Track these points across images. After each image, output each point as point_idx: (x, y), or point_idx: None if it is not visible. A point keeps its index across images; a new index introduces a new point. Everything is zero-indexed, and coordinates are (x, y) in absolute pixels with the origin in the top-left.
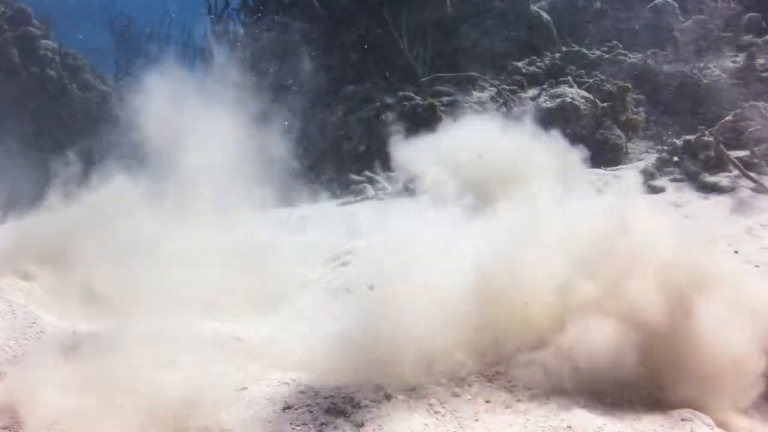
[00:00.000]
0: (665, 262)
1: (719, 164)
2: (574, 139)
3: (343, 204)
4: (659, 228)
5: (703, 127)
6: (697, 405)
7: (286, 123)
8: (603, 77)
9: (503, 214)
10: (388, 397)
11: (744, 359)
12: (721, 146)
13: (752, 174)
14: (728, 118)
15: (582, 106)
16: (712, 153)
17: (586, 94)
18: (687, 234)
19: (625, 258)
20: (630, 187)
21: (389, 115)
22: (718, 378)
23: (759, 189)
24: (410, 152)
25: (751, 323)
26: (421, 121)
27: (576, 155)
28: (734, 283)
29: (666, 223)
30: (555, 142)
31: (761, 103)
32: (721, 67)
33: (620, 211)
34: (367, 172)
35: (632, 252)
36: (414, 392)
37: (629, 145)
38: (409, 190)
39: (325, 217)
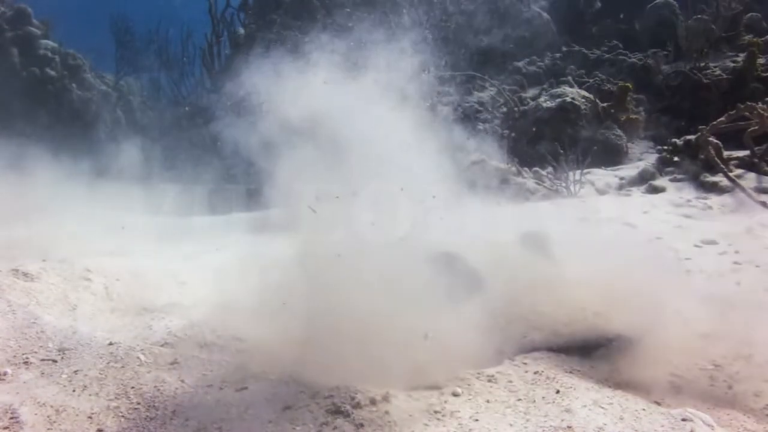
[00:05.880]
0: None
1: (718, 165)
2: (574, 138)
3: None
4: None
5: (704, 127)
6: None
7: None
8: (603, 77)
9: None
10: (387, 397)
11: None
12: (708, 144)
13: (750, 173)
14: (721, 119)
15: (582, 106)
16: (711, 152)
17: (586, 93)
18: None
19: None
20: None
21: None
22: None
23: (758, 188)
24: None
25: None
26: None
27: None
28: None
29: None
30: None
31: (759, 105)
32: (721, 67)
33: None
34: None
35: None
36: (414, 391)
37: (629, 145)
38: None
39: None
